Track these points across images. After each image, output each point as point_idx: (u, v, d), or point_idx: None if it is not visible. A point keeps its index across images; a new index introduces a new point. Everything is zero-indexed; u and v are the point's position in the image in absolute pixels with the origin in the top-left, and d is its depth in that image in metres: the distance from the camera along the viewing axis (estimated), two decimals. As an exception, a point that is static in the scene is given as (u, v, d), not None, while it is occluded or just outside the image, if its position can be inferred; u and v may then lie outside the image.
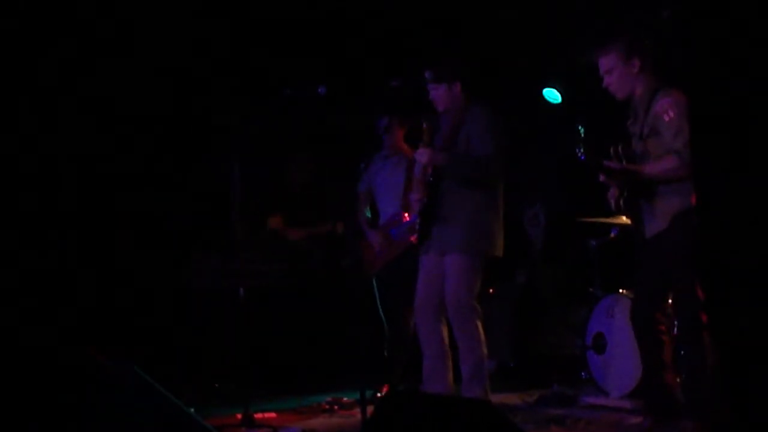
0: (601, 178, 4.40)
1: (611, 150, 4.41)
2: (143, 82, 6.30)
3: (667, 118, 4.19)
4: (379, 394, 5.76)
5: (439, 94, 5.00)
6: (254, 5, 6.53)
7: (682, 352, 4.46)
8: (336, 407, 5.67)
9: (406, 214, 5.84)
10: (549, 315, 7.09)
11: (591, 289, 6.14)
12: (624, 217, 5.64)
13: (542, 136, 7.27)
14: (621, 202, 4.38)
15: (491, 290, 7.04)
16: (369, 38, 6.80)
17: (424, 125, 4.96)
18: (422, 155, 4.90)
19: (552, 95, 6.87)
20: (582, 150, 4.36)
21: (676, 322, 4.46)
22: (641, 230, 4.41)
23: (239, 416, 5.07)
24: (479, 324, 4.87)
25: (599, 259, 6.18)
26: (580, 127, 4.34)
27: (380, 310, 6.12)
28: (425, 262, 5.03)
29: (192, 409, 3.75)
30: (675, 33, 4.61)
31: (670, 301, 4.43)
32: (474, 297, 4.86)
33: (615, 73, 4.37)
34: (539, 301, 7.34)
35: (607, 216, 5.71)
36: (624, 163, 4.36)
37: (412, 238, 5.21)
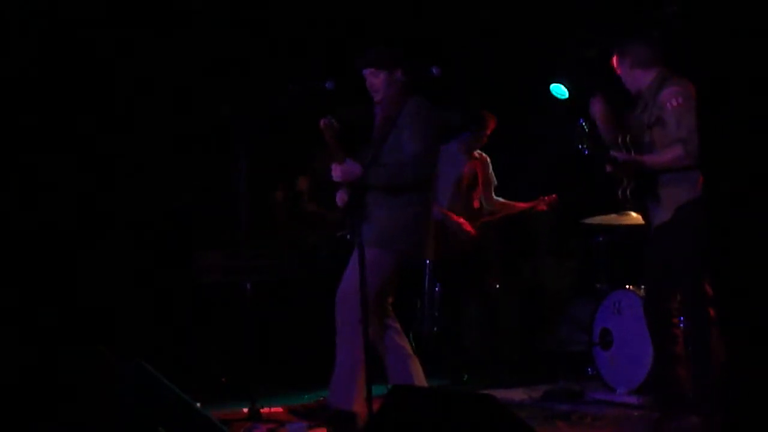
0: (608, 168, 4.42)
1: (619, 140, 4.44)
2: (145, 79, 6.32)
3: (670, 107, 4.24)
4: None
5: (379, 81, 4.66)
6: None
7: (690, 347, 4.46)
8: (342, 402, 5.67)
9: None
10: (555, 311, 7.09)
11: (597, 285, 6.14)
12: (630, 216, 5.67)
13: (549, 132, 7.27)
14: (627, 193, 4.40)
15: (497, 285, 7.04)
16: (373, 31, 6.80)
17: (327, 127, 4.62)
18: (337, 173, 4.60)
19: (559, 91, 6.86)
20: (585, 145, 4.42)
21: (683, 317, 4.45)
22: (649, 221, 4.43)
23: (246, 411, 5.09)
24: (359, 327, 4.38)
25: (606, 255, 6.18)
26: (582, 122, 4.41)
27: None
28: (352, 257, 4.66)
29: (199, 404, 3.76)
30: (682, 24, 4.64)
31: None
32: (375, 295, 4.43)
33: (619, 71, 4.55)
34: (545, 297, 7.34)
35: (616, 212, 5.72)
36: (632, 153, 4.38)
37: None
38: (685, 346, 4.42)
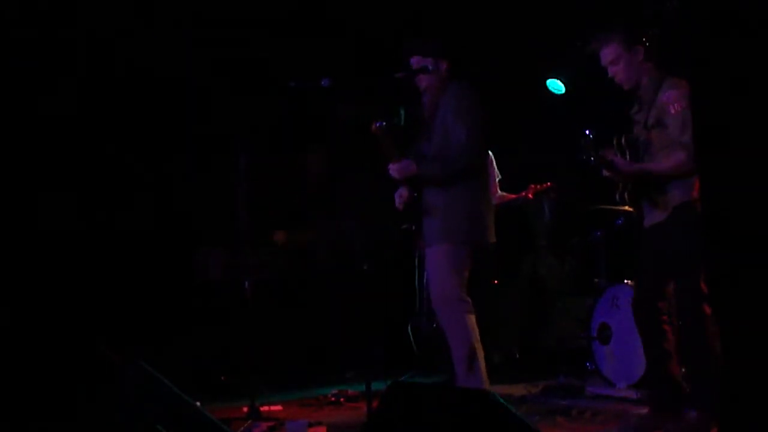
0: (604, 173, 4.36)
1: (614, 140, 4.37)
2: (147, 77, 6.32)
3: (673, 111, 4.13)
4: None
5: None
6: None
7: (685, 344, 4.45)
8: (342, 399, 5.69)
9: None
10: (554, 306, 7.10)
11: (596, 280, 6.14)
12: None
13: (546, 127, 7.27)
14: (625, 195, 4.36)
15: (496, 281, 7.04)
16: (373, 29, 6.80)
17: (380, 130, 4.73)
18: (393, 171, 4.73)
19: (555, 86, 6.85)
20: (591, 155, 4.22)
21: (679, 315, 4.42)
22: (642, 222, 4.40)
23: (245, 409, 5.09)
24: (468, 317, 4.63)
25: (604, 250, 6.18)
26: (588, 132, 4.22)
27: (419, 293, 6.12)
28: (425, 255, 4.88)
29: (198, 403, 3.76)
30: (681, 23, 4.60)
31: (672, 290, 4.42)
32: (459, 289, 4.61)
33: (621, 62, 4.32)
34: (544, 292, 7.34)
35: (613, 205, 5.71)
36: (627, 153, 4.33)
37: None
38: (679, 343, 4.41)
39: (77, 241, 5.93)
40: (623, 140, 4.35)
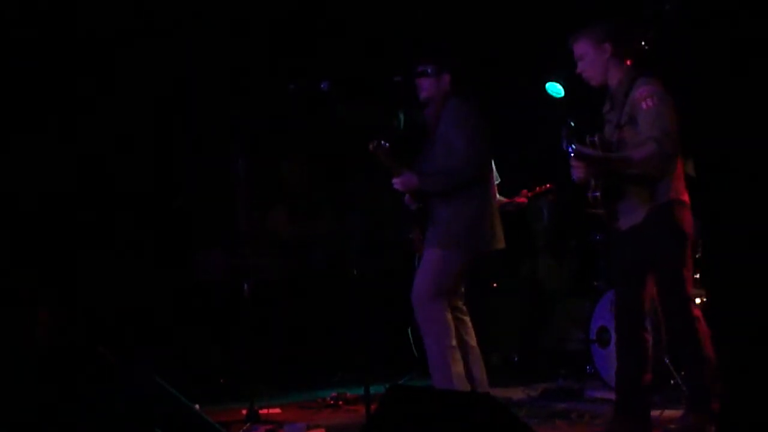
0: (572, 163, 4.21)
1: (587, 140, 4.23)
2: (146, 77, 6.32)
3: (644, 107, 4.06)
4: None
5: (428, 80, 4.79)
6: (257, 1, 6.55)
7: (678, 347, 4.42)
8: (340, 402, 5.69)
9: None
10: (553, 309, 7.10)
11: (595, 283, 6.14)
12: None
13: (545, 131, 7.27)
14: (598, 195, 4.22)
15: (495, 284, 7.04)
16: (372, 33, 6.80)
17: (378, 150, 4.78)
18: (398, 185, 4.81)
19: (555, 89, 6.85)
20: (574, 146, 4.14)
21: (666, 317, 4.34)
22: (615, 225, 4.26)
23: (244, 412, 5.09)
24: (442, 318, 4.67)
25: (604, 253, 6.18)
26: (570, 122, 4.14)
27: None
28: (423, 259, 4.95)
29: (197, 406, 3.76)
30: (678, 26, 4.58)
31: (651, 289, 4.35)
32: (437, 293, 4.67)
33: (586, 58, 4.28)
34: (543, 295, 7.34)
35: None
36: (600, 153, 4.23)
37: None
38: (672, 348, 4.37)
39: (78, 241, 5.93)
40: (596, 139, 4.26)
